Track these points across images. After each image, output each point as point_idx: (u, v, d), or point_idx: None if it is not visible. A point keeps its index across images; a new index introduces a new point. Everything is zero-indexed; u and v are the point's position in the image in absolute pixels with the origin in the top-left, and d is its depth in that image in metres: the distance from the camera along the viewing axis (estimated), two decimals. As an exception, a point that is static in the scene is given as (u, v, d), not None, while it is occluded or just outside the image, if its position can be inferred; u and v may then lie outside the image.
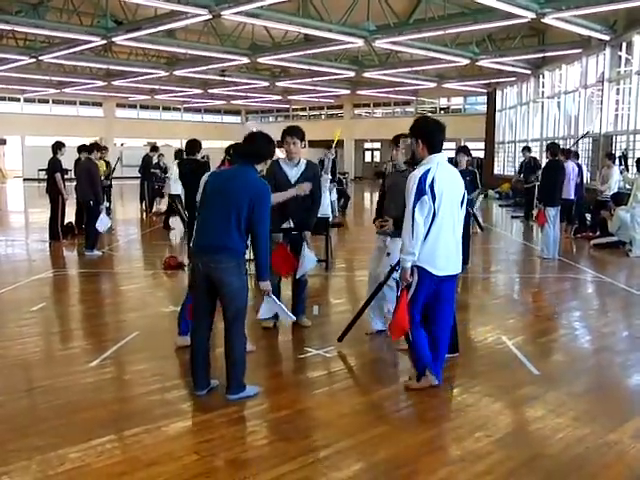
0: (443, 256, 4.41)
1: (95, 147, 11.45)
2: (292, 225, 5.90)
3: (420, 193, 4.27)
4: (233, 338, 4.35)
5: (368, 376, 4.97)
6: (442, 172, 4.38)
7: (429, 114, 36.21)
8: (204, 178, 4.62)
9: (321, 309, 7.04)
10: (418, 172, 4.36)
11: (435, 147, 4.46)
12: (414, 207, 4.28)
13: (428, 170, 4.34)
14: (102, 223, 10.61)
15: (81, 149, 12.80)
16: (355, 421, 4.12)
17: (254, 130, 4.73)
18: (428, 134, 4.51)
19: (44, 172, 13.17)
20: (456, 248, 4.51)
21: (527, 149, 17.34)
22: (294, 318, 5.01)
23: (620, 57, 17.00)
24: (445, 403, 4.53)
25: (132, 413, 4.19)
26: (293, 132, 5.89)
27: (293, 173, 5.88)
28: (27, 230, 15.20)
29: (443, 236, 4.39)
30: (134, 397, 4.52)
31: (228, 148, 6.60)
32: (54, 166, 11.74)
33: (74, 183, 12.32)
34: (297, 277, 6.04)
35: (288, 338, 6.00)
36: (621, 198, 12.23)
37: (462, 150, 9.74)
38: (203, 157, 7.13)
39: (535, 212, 11.31)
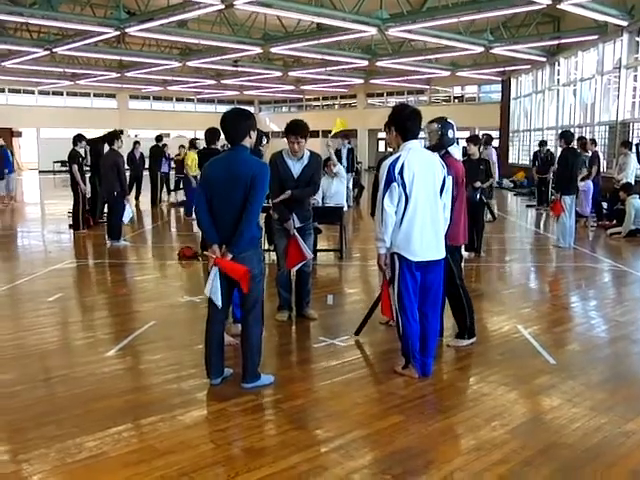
0: (418, 242, 4.41)
1: (115, 136, 10.91)
2: (295, 219, 5.88)
3: (389, 181, 4.35)
4: (250, 326, 4.37)
5: (382, 365, 4.96)
6: (413, 158, 4.41)
7: (443, 103, 36.03)
8: (202, 170, 4.47)
9: (335, 299, 7.04)
10: (389, 160, 4.43)
11: (408, 134, 4.51)
12: (384, 195, 4.37)
13: (398, 157, 4.41)
14: (126, 214, 10.67)
15: (96, 141, 12.95)
16: (370, 410, 4.12)
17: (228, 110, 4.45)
18: (400, 122, 4.55)
19: (61, 164, 13.29)
20: (434, 234, 4.48)
21: (544, 143, 17.32)
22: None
23: (638, 43, 16.75)
24: (461, 392, 4.51)
25: (148, 402, 4.22)
26: (297, 131, 5.68)
27: (297, 167, 5.83)
28: (43, 221, 15.31)
29: (418, 222, 4.40)
30: (150, 386, 4.55)
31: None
32: (72, 158, 11.88)
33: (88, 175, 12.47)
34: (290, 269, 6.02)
35: (303, 328, 6.00)
36: (631, 187, 12.14)
37: (471, 140, 9.68)
38: (223, 146, 7.08)
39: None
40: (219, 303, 4.25)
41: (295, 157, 5.81)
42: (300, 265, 5.91)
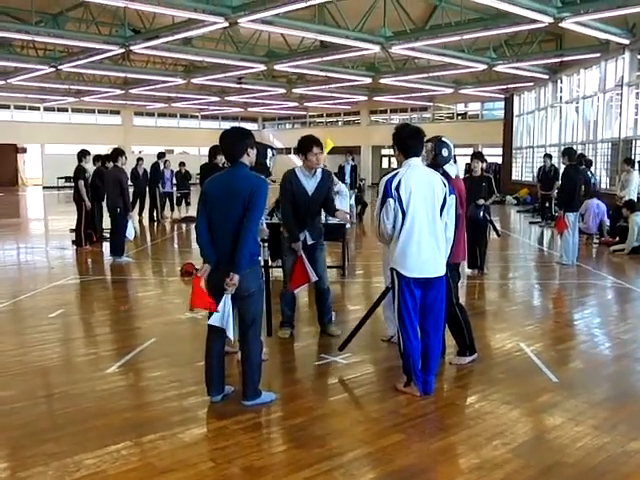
0: (414, 258, 4.41)
1: (119, 153, 10.90)
2: (307, 236, 5.88)
3: (386, 196, 4.41)
4: (250, 343, 4.36)
5: (384, 383, 4.93)
6: (412, 175, 4.45)
7: (446, 120, 36.16)
8: (203, 187, 4.51)
9: (338, 316, 7.00)
10: (387, 176, 4.50)
11: (409, 153, 4.56)
12: (380, 210, 4.44)
13: (396, 174, 4.47)
14: (129, 230, 10.70)
15: (97, 159, 13.07)
16: (371, 429, 4.09)
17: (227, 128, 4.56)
18: (400, 141, 4.63)
19: (65, 180, 13.33)
20: (433, 251, 4.46)
21: (548, 156, 17.40)
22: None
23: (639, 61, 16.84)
24: (462, 410, 4.49)
25: (148, 420, 4.20)
26: (319, 143, 5.75)
27: (311, 184, 5.83)
28: (47, 237, 15.34)
29: (415, 238, 4.41)
30: (150, 404, 4.53)
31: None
32: (78, 174, 11.97)
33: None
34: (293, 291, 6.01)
35: (304, 345, 5.98)
36: (634, 204, 12.12)
37: (476, 156, 9.71)
38: (224, 163, 7.13)
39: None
40: (231, 335, 4.30)
41: (310, 172, 5.83)
42: (302, 288, 5.90)
